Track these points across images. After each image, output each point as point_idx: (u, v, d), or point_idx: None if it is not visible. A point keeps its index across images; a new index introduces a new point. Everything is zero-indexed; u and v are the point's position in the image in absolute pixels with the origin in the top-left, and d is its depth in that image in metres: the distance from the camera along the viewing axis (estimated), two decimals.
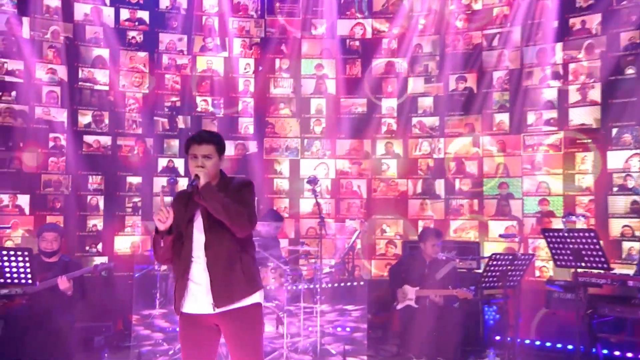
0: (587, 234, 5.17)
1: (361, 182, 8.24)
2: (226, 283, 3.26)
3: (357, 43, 8.34)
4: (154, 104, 7.91)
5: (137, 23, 7.90)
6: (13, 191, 7.11)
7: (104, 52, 7.70)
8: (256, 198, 3.66)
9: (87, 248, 7.48)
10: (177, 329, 3.77)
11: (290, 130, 8.31)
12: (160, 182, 7.72)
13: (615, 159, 6.85)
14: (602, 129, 6.95)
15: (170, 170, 7.84)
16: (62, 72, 7.44)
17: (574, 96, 7.19)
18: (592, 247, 5.10)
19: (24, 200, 7.17)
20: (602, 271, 5.27)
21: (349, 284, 7.05)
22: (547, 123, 7.37)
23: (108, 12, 7.74)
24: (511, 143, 7.60)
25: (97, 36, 7.67)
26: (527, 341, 6.25)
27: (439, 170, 7.98)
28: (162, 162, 7.92)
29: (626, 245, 6.68)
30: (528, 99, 7.46)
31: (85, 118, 7.59)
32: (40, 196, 7.27)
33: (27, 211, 7.18)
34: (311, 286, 6.16)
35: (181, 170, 7.82)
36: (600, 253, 5.09)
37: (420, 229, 7.49)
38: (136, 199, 7.74)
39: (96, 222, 7.55)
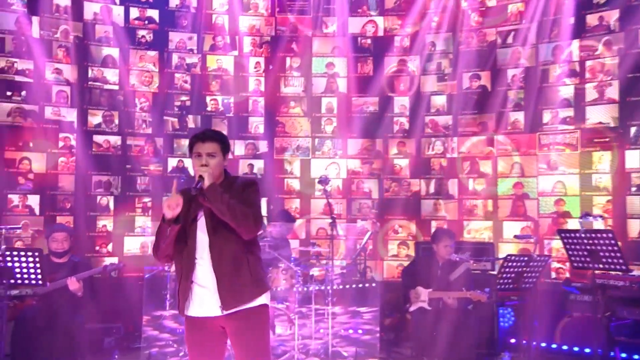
0: (604, 235, 5.03)
1: (373, 182, 8.14)
2: (233, 285, 3.19)
3: (369, 41, 8.25)
4: (163, 104, 7.86)
5: (146, 22, 7.86)
6: (23, 191, 7.10)
7: (114, 52, 7.67)
8: (265, 198, 3.59)
9: (97, 248, 7.46)
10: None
11: (301, 130, 8.23)
12: (170, 183, 7.66)
13: (634, 158, 6.71)
14: (620, 128, 6.82)
15: (180, 170, 7.80)
16: (72, 71, 7.42)
17: (591, 94, 7.05)
18: (609, 248, 4.96)
19: (34, 200, 7.15)
20: (620, 273, 5.16)
21: (360, 285, 6.96)
22: (563, 122, 7.23)
23: (118, 11, 7.70)
24: (526, 142, 7.47)
25: (106, 35, 7.64)
26: (543, 344, 6.12)
27: (453, 169, 7.86)
28: (172, 162, 7.88)
29: None
30: (544, 97, 7.33)
31: (95, 118, 7.57)
32: (50, 196, 7.25)
33: (37, 211, 7.16)
34: (322, 287, 6.08)
35: (191, 171, 7.73)
36: (618, 254, 4.95)
37: (433, 230, 7.38)
38: (146, 199, 7.70)
39: (106, 223, 7.52)
